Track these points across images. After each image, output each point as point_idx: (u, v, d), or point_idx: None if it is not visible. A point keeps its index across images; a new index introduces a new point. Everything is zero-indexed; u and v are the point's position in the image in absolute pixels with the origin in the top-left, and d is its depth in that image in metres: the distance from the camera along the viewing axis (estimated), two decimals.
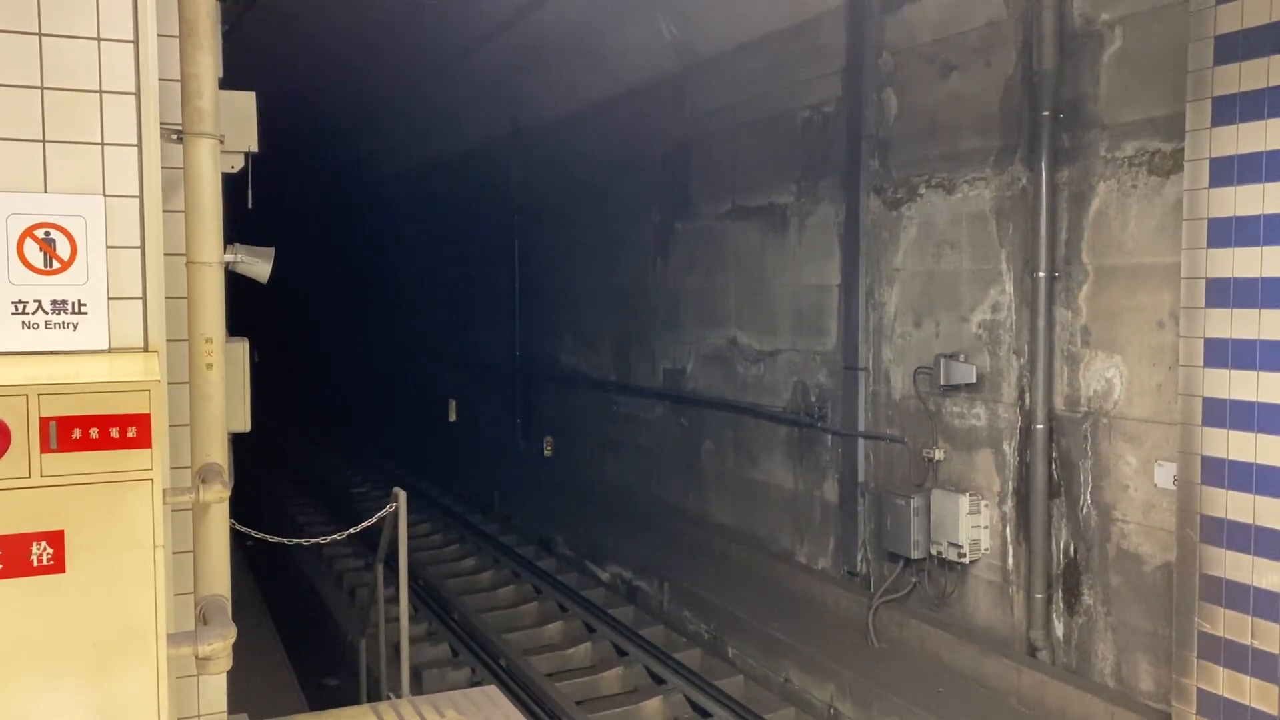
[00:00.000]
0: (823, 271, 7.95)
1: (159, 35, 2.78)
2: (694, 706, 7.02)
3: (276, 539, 5.03)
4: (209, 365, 2.92)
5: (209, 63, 2.89)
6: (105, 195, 2.65)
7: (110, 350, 2.64)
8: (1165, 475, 5.34)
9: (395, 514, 5.24)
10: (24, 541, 2.47)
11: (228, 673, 3.06)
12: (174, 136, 2.93)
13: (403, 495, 5.21)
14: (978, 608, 6.61)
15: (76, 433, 2.51)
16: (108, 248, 2.65)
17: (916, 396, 7.02)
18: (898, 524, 6.87)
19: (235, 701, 3.50)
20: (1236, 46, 4.63)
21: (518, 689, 7.22)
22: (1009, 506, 6.37)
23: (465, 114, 13.47)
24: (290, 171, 19.09)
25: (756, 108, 8.63)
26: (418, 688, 7.19)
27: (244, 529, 4.36)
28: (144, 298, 2.70)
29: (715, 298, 9.37)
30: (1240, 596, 4.70)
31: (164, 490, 2.65)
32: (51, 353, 2.58)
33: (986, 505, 6.52)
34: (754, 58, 8.57)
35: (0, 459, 2.45)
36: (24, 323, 2.56)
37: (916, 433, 7.03)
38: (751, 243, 8.80)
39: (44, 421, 2.48)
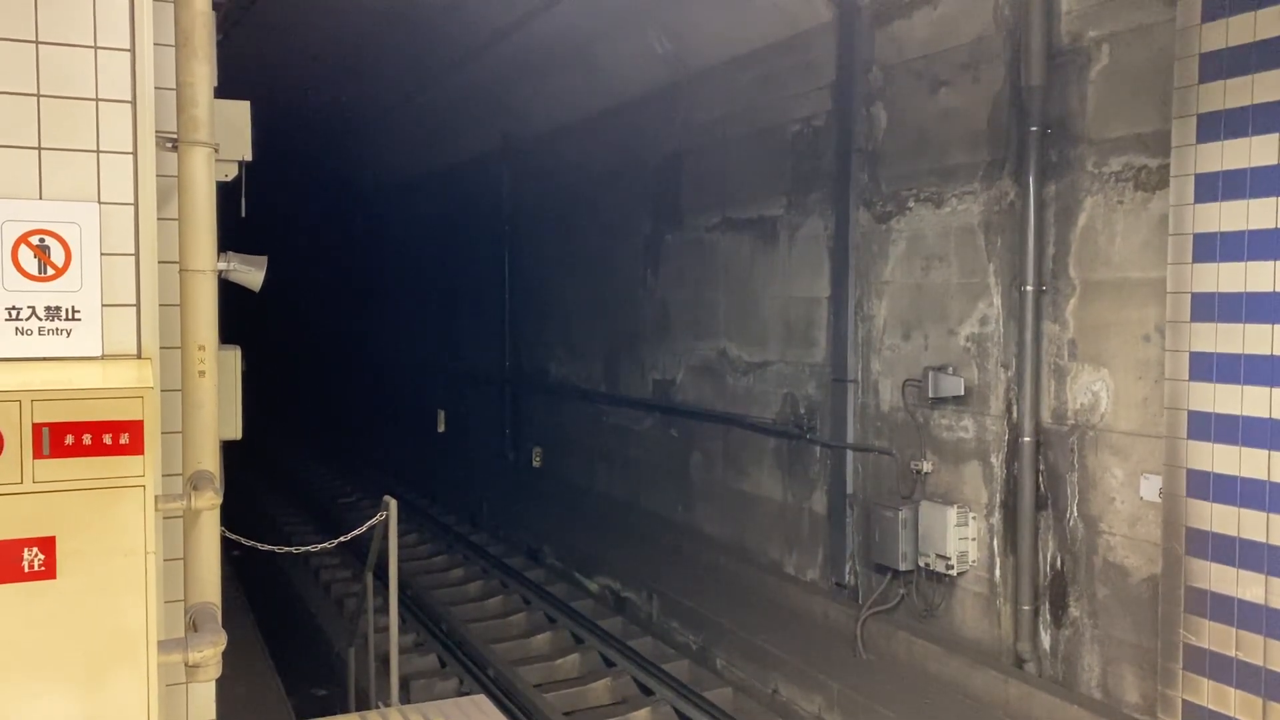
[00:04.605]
0: (812, 284, 7.99)
1: (155, 44, 2.80)
2: (682, 718, 7.02)
3: (266, 547, 5.03)
4: (202, 373, 2.93)
5: (204, 72, 2.91)
6: (100, 202, 2.66)
7: (104, 357, 2.65)
8: (1151, 488, 5.38)
9: (385, 523, 5.24)
10: (15, 547, 2.47)
11: (216, 681, 3.06)
12: (169, 145, 2.94)
13: (393, 504, 5.21)
14: (965, 620, 6.63)
15: (69, 439, 2.51)
16: (102, 255, 2.66)
17: (905, 409, 7.06)
18: (886, 536, 6.89)
19: (223, 711, 3.50)
20: (1221, 64, 4.69)
21: (505, 700, 7.21)
22: (996, 519, 6.39)
23: (458, 125, 13.50)
24: (283, 181, 19.08)
25: (747, 121, 8.68)
26: (405, 698, 7.17)
27: (234, 536, 4.36)
28: (138, 305, 2.71)
29: (705, 309, 9.39)
30: (1225, 609, 4.73)
31: (155, 497, 2.65)
32: (45, 359, 2.59)
33: (974, 517, 6.54)
34: (745, 71, 8.63)
35: None
36: (17, 329, 2.57)
37: (905, 445, 7.06)
38: (742, 255, 8.84)
39: (37, 427, 2.49)
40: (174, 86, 2.92)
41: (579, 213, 11.57)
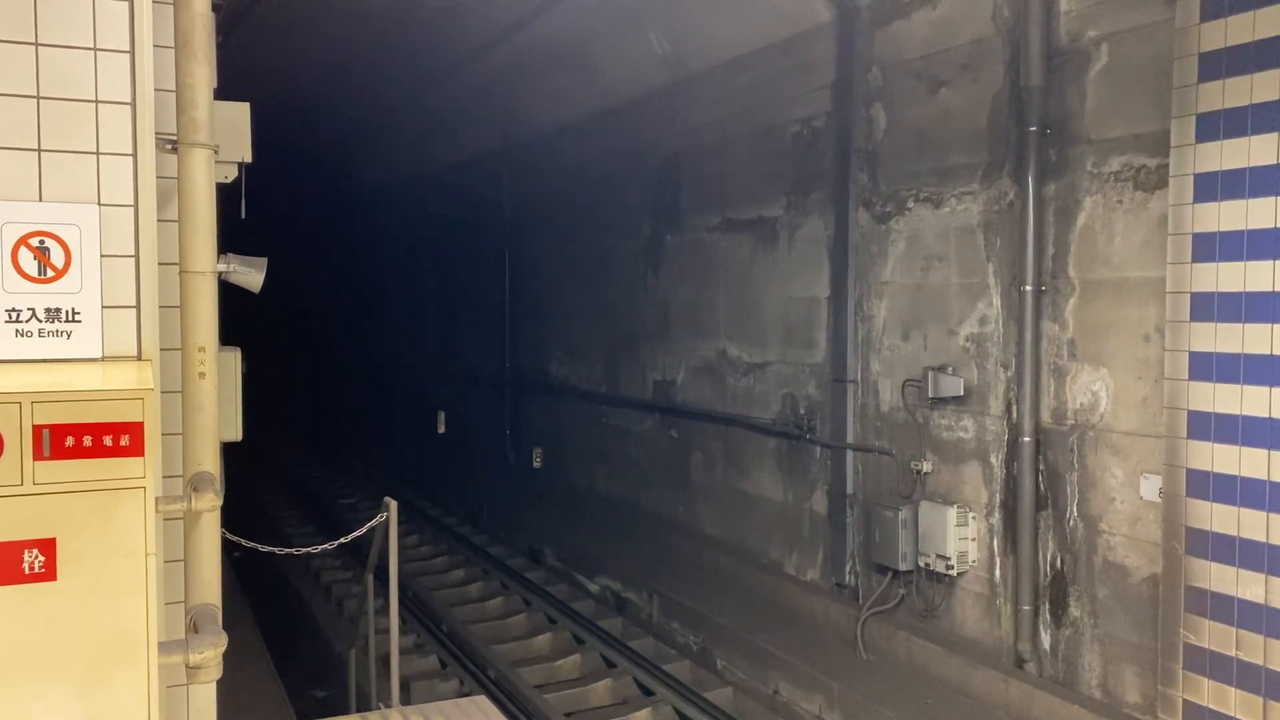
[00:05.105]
0: (812, 284, 7.99)
1: (155, 46, 2.80)
2: (683, 718, 7.02)
3: (266, 548, 5.03)
4: (202, 374, 2.93)
5: (204, 74, 2.91)
6: (100, 204, 2.67)
7: (104, 359, 2.65)
8: (1151, 488, 5.38)
9: (386, 524, 5.24)
10: (16, 549, 2.48)
11: (217, 682, 3.07)
12: (168, 146, 2.94)
13: (394, 505, 5.21)
14: (965, 619, 6.63)
15: (69, 440, 2.51)
16: (102, 256, 2.66)
17: (905, 409, 7.06)
18: (886, 536, 6.90)
19: (223, 713, 3.50)
20: (1220, 64, 4.69)
21: (506, 701, 7.21)
22: (996, 519, 6.40)
23: (458, 126, 13.50)
24: (283, 182, 19.08)
25: (747, 122, 8.68)
26: (406, 699, 7.17)
27: (234, 538, 4.36)
28: (138, 306, 2.72)
29: (705, 310, 9.40)
30: (1225, 608, 4.73)
31: (156, 498, 2.66)
32: (45, 361, 2.59)
33: (974, 517, 6.54)
34: (744, 72, 8.63)
35: None
36: (18, 331, 2.57)
37: (905, 445, 7.06)
38: (741, 255, 8.84)
39: (37, 429, 2.49)
40: (174, 88, 2.92)
41: (579, 213, 11.57)
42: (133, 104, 2.71)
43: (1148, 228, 5.44)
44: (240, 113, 3.77)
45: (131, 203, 2.71)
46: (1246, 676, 4.63)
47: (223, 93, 3.36)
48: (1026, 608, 6.11)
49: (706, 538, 9.36)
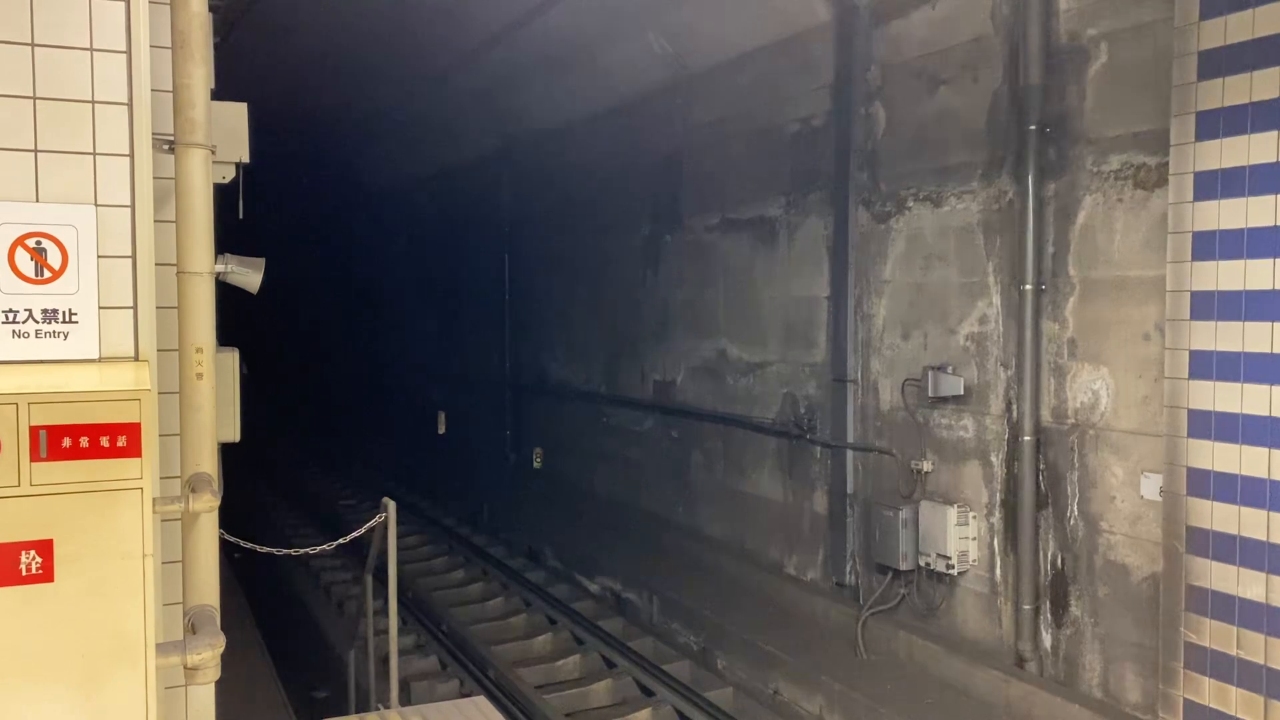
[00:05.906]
0: (812, 284, 7.99)
1: (151, 46, 2.79)
2: (683, 719, 7.01)
3: (265, 549, 5.03)
4: (199, 375, 2.93)
5: (201, 74, 2.91)
6: (97, 205, 2.66)
7: (101, 359, 2.64)
8: (1151, 487, 5.38)
9: (385, 525, 5.23)
10: (13, 550, 2.47)
11: (216, 683, 3.06)
12: (166, 147, 2.93)
13: (392, 506, 5.20)
14: (966, 619, 6.63)
15: (66, 441, 2.51)
16: (99, 257, 2.65)
17: (905, 408, 7.05)
18: (886, 535, 6.89)
19: (222, 714, 3.49)
20: (1220, 62, 4.69)
21: (506, 701, 7.20)
22: (997, 518, 6.39)
23: (457, 127, 13.50)
24: (282, 183, 19.08)
25: (746, 121, 8.68)
26: (406, 700, 7.17)
27: (233, 539, 4.36)
28: (135, 307, 2.71)
29: (705, 310, 9.39)
30: (1226, 607, 4.73)
31: (154, 499, 2.65)
32: (42, 362, 2.58)
33: (974, 517, 6.54)
34: (744, 72, 8.63)
35: None
36: (14, 332, 2.57)
37: (905, 444, 7.06)
38: (741, 255, 8.84)
39: (34, 430, 2.49)
40: (170, 89, 2.91)
41: (579, 214, 11.57)
42: (129, 104, 2.70)
43: (1148, 226, 5.44)
44: (238, 113, 3.76)
45: (128, 203, 2.70)
46: (1247, 675, 4.63)
47: (221, 93, 3.35)
48: (1027, 607, 6.11)
49: (706, 538, 9.35)
